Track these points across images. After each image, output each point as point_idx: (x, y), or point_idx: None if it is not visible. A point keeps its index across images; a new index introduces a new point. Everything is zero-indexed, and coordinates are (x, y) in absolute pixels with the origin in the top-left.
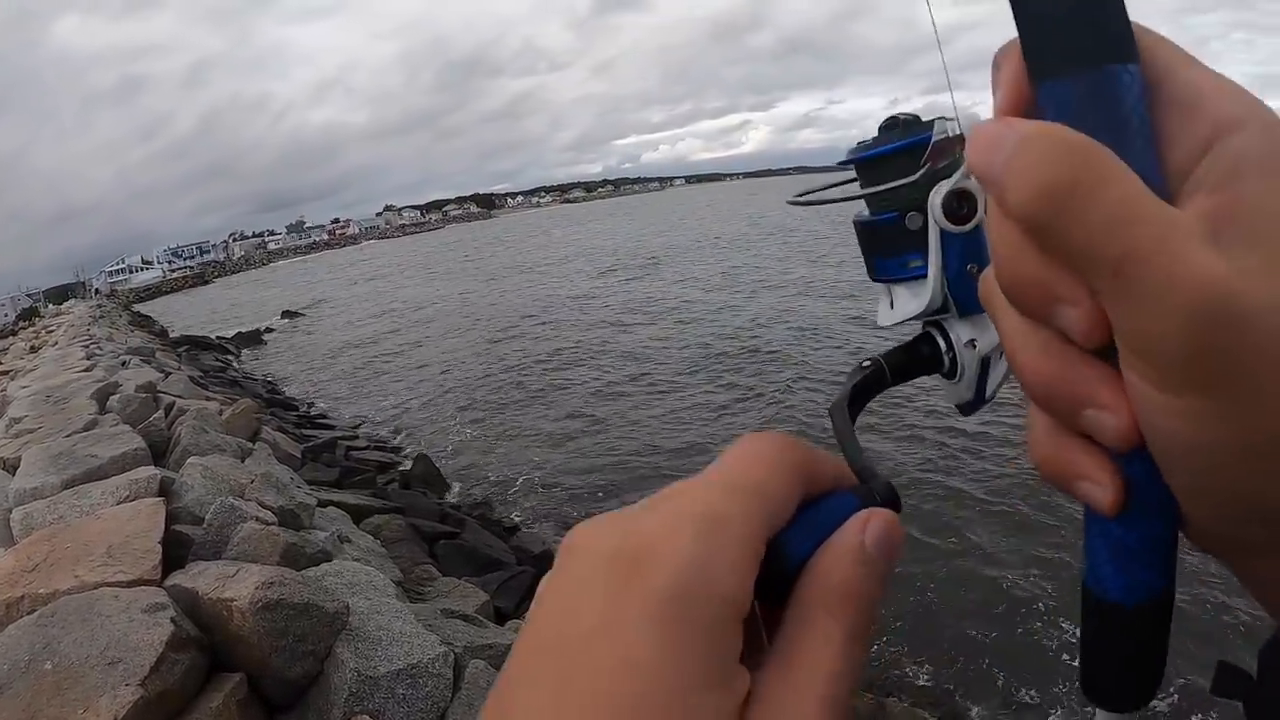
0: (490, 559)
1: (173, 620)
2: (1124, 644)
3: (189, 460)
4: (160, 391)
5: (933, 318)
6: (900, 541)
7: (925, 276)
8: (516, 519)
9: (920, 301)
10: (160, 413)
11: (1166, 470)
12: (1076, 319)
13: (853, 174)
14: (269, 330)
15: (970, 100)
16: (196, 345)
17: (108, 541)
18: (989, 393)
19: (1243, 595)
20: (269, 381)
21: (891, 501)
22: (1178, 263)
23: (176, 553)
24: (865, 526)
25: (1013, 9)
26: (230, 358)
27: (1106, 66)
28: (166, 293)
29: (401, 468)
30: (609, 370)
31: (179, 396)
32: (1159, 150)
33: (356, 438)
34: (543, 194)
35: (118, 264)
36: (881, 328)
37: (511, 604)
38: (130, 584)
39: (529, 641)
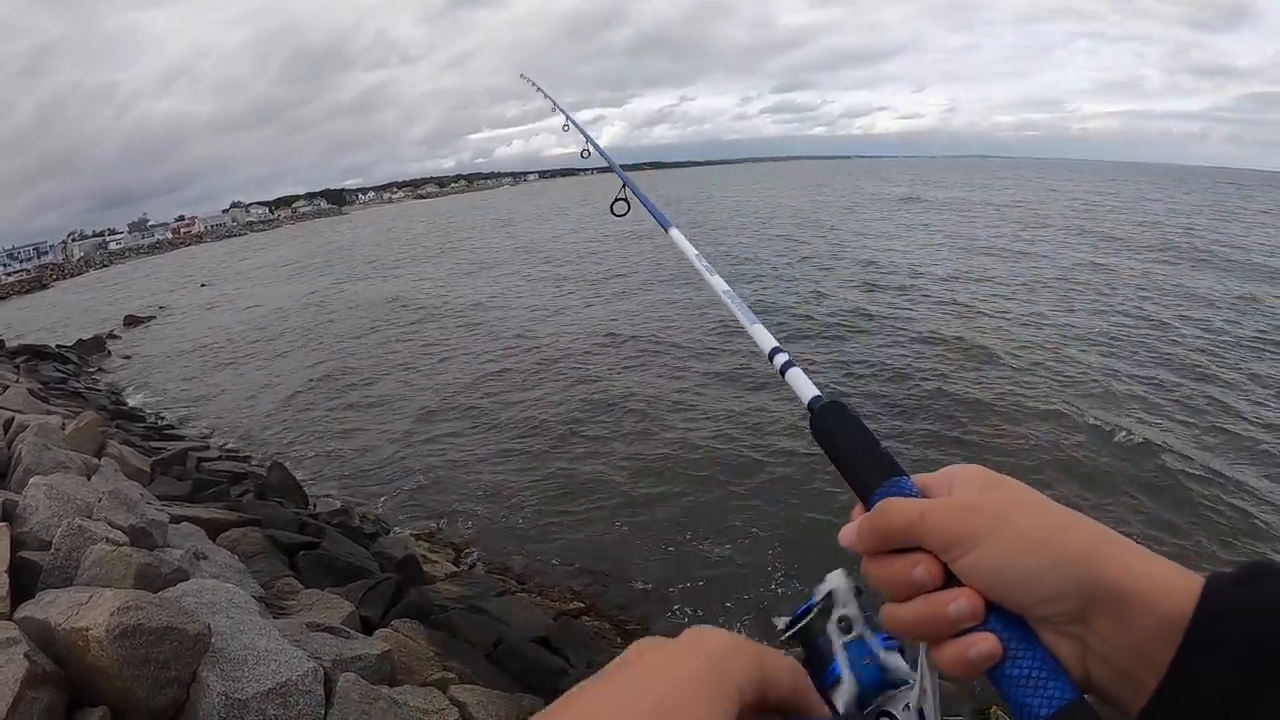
0: (353, 567)
1: (27, 655)
2: None
3: (32, 480)
4: None
5: (878, 704)
6: None
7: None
8: (376, 525)
9: (847, 695)
10: None
11: (1004, 600)
12: (925, 570)
13: None
14: (112, 336)
15: (820, 98)
16: (36, 355)
17: None
18: None
19: None
20: (113, 391)
21: None
22: (940, 507)
23: (24, 581)
24: None
25: (844, 476)
26: (72, 367)
27: (891, 479)
28: (1, 298)
29: (256, 477)
30: (459, 369)
31: (18, 411)
32: (924, 493)
33: (207, 448)
34: (395, 189)
35: None
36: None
37: (377, 613)
38: None
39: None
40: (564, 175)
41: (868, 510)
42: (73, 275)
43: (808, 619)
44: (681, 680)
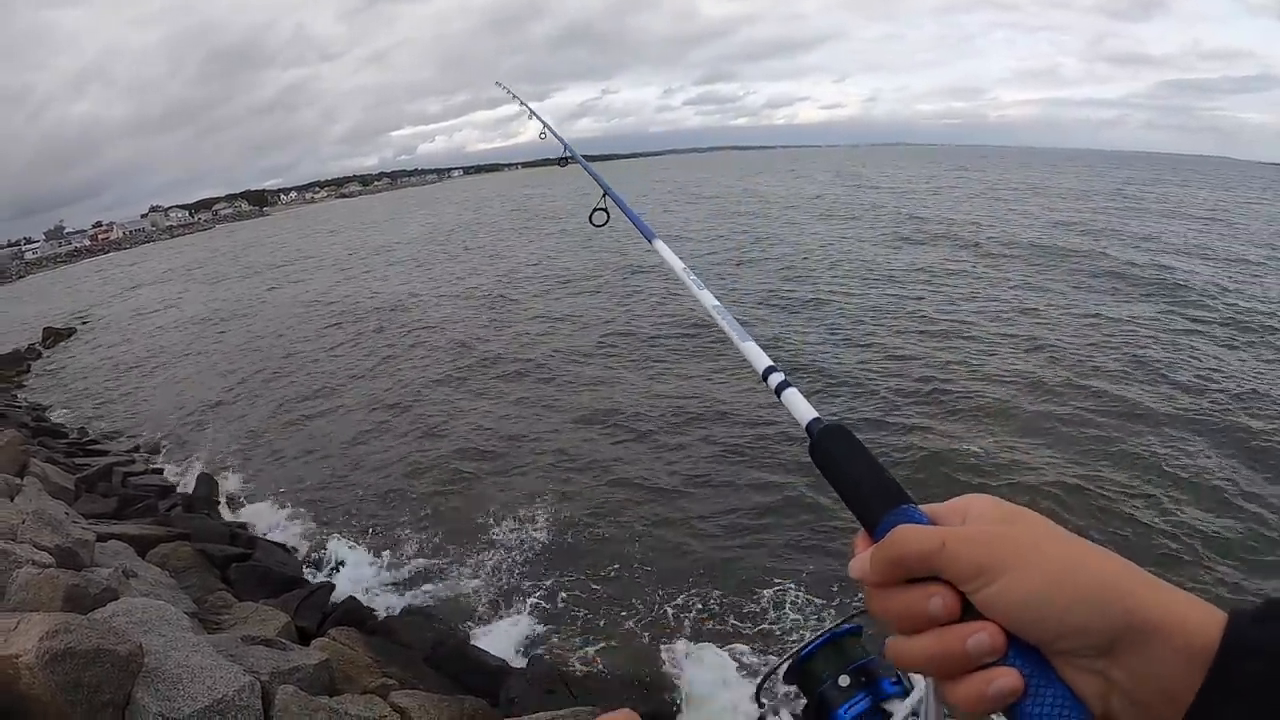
0: (287, 577)
1: None
2: None
3: None
4: None
5: None
6: None
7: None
8: (309, 532)
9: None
10: None
11: (1028, 634)
12: (942, 602)
13: None
14: (31, 350)
15: (743, 89)
16: None
17: None
18: None
19: None
20: (34, 408)
21: None
22: (962, 536)
23: None
24: None
25: (847, 504)
26: None
27: (900, 506)
28: None
29: (183, 490)
30: (383, 368)
31: None
32: (935, 522)
33: (133, 461)
34: (317, 189)
35: None
36: None
37: (314, 622)
38: None
39: None
40: (489, 170)
41: (875, 540)
42: None
43: (821, 681)
44: None
